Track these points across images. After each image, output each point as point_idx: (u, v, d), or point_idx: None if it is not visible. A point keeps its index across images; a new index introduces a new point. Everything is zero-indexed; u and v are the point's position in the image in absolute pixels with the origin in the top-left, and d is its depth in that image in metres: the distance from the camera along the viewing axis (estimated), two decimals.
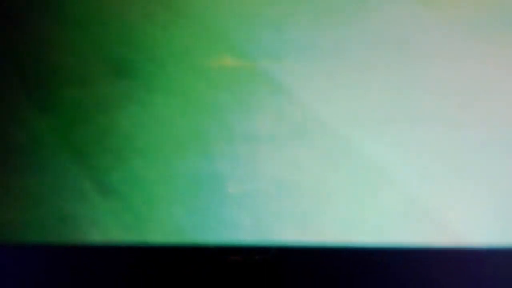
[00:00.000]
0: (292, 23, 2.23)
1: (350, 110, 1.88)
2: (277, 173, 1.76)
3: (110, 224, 1.68)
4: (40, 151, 1.79)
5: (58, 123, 1.86)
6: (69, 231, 1.58)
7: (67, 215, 1.66)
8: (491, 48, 2.19)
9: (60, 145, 1.78)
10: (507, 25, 2.20)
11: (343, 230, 1.63)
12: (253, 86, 2.01)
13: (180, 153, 1.86)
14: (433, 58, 2.13)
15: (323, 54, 2.22)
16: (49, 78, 1.94)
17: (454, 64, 2.07)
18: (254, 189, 1.73)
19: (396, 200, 1.70)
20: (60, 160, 1.77)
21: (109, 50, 2.01)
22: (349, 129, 1.88)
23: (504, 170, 1.84)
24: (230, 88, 2.06)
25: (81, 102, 1.87)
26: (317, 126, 1.92)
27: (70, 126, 1.83)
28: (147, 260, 1.76)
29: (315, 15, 2.21)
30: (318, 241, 1.62)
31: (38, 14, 2.16)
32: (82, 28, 2.07)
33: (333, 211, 1.68)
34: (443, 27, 2.21)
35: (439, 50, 2.11)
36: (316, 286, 1.78)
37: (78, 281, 1.73)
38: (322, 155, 1.82)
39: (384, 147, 1.83)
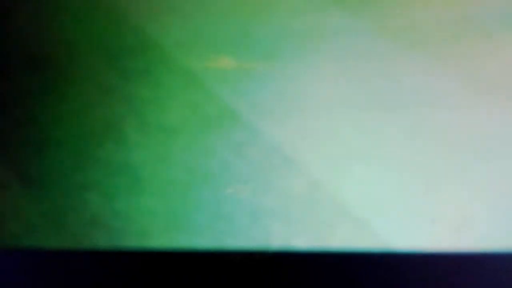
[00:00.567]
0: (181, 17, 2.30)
1: (263, 102, 1.97)
2: (189, 161, 1.83)
3: (30, 213, 1.73)
4: None
5: None
6: None
7: None
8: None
9: None
10: None
11: (249, 218, 1.70)
12: (166, 78, 2.07)
13: (96, 142, 1.91)
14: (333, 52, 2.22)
15: (234, 47, 2.29)
16: None
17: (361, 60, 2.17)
18: (167, 177, 1.79)
19: (301, 185, 1.78)
20: None
21: (25, 42, 2.05)
22: (259, 121, 1.96)
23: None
24: (144, 80, 2.11)
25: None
26: (230, 118, 1.99)
27: None
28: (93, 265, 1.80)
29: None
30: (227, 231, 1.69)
31: None
32: None
33: (241, 198, 1.75)
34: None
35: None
36: None
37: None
38: (233, 144, 1.90)
39: (291, 136, 1.91)
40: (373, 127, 2.05)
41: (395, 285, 1.66)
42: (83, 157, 1.83)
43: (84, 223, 1.70)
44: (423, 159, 2.02)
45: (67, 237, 1.72)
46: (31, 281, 1.70)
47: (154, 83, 2.09)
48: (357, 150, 1.95)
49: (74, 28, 2.17)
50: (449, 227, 1.91)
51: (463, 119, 2.08)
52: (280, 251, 1.60)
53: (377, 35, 2.39)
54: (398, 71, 2.16)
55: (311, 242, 1.73)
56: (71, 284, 1.67)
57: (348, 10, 2.56)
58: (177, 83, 2.14)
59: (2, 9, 2.20)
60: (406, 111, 2.11)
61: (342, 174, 1.89)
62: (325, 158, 1.96)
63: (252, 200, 1.79)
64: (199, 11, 2.43)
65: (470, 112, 2.17)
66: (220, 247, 1.65)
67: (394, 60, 2.14)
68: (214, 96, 2.12)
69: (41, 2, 2.25)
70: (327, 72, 2.32)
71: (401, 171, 1.99)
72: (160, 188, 1.80)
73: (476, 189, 2.04)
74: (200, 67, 2.19)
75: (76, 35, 2.18)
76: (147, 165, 1.80)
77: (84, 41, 2.24)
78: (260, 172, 1.90)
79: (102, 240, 1.76)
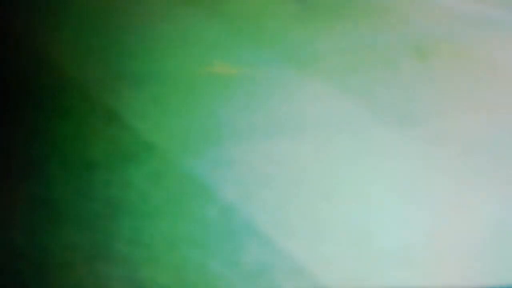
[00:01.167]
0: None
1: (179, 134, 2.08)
2: (110, 193, 1.92)
3: None
4: None
5: None
6: None
7: None
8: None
9: None
10: None
11: (169, 244, 1.78)
12: (86, 115, 2.15)
13: (17, 179, 1.98)
14: None
15: (151, 82, 2.40)
16: None
17: None
18: (89, 210, 1.87)
19: (217, 214, 1.87)
20: None
21: None
22: (177, 152, 2.05)
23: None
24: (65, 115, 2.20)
25: None
26: (147, 149, 2.08)
27: None
28: None
29: None
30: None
31: None
32: None
33: (161, 227, 1.83)
34: None
35: None
36: None
37: None
38: (151, 175, 1.98)
39: (206, 166, 2.01)
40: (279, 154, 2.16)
41: None
42: (6, 194, 1.91)
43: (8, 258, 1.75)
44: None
45: None
46: None
47: (76, 121, 2.18)
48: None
49: None
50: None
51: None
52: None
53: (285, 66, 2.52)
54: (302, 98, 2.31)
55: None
56: None
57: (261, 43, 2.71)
58: (98, 119, 2.23)
59: None
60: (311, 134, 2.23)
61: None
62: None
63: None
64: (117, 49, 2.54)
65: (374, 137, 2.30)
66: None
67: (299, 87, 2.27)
68: (131, 130, 2.21)
69: None
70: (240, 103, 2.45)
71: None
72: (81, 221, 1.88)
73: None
74: (119, 104, 2.29)
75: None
76: (68, 200, 1.88)
77: (8, 80, 2.33)
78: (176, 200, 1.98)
79: (26, 274, 1.81)
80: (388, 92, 2.44)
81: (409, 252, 2.01)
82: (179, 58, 2.82)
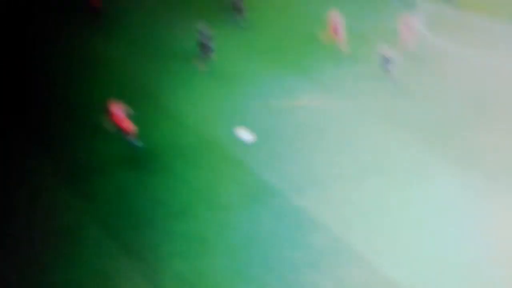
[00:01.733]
0: None
1: None
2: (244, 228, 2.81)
3: None
4: None
5: None
6: None
7: None
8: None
9: None
10: None
11: (290, 268, 2.70)
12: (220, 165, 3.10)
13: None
14: None
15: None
16: None
17: None
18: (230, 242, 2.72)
19: (325, 241, 2.72)
20: None
21: None
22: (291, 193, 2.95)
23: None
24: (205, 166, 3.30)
25: None
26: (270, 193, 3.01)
27: None
28: None
29: None
30: None
31: None
32: None
33: (284, 253, 2.70)
34: None
35: None
36: None
37: None
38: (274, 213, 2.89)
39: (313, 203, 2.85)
40: None
41: None
42: None
43: None
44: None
45: None
46: None
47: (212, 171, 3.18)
48: None
49: None
50: None
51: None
52: None
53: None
54: None
55: None
56: None
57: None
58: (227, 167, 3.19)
59: None
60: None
61: None
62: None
63: None
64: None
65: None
66: None
67: None
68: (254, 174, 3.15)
69: None
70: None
71: None
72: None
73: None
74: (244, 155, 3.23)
75: None
76: None
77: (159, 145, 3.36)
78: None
79: None
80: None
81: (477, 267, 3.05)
82: None
